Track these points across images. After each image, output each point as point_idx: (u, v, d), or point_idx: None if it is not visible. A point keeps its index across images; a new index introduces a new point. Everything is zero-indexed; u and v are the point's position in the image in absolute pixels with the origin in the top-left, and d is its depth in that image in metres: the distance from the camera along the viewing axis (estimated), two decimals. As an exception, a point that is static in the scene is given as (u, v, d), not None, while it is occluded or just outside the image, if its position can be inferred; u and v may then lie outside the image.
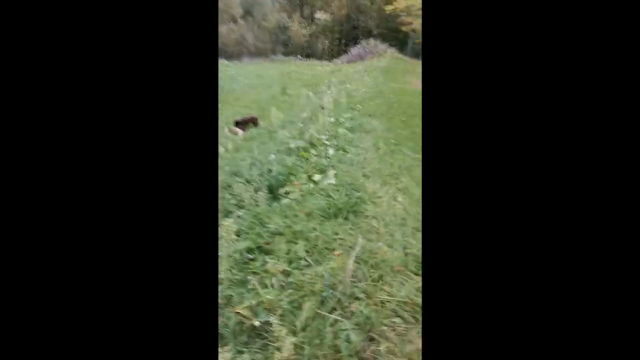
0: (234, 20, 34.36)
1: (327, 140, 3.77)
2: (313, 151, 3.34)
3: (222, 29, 31.82)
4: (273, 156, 2.45)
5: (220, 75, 16.49)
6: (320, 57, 29.96)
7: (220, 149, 5.59)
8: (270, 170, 2.58)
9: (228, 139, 6.55)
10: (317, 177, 2.71)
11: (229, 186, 2.56)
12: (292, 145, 3.34)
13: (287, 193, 2.47)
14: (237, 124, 7.56)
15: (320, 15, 36.15)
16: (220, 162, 4.17)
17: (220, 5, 33.70)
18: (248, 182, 2.60)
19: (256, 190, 2.39)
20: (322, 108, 6.44)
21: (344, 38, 33.52)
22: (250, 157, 3.50)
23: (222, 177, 2.95)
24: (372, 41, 23.91)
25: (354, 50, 24.17)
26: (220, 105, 10.02)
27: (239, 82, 15.35)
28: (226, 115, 8.55)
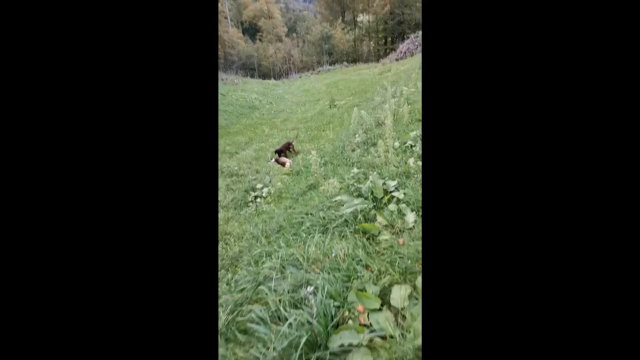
0: (280, 40, 34.67)
1: (396, 187, 2.44)
2: (379, 218, 2.04)
3: (270, 49, 32.24)
4: (310, 289, 1.21)
5: (268, 96, 16.16)
6: (366, 60, 28.42)
7: (264, 191, 4.60)
8: (314, 293, 1.36)
9: (271, 175, 5.57)
10: (396, 293, 1.42)
11: (248, 329, 1.41)
12: (347, 211, 2.10)
13: (346, 349, 1.22)
14: (279, 153, 6.59)
15: (362, 18, 34.62)
16: (258, 226, 3.09)
17: (266, 27, 34.35)
18: (279, 319, 1.41)
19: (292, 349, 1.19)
20: (379, 124, 5.07)
21: (389, 36, 31.47)
22: (288, 237, 2.33)
23: (245, 285, 1.81)
24: (420, 33, 21.60)
25: (402, 47, 22.13)
26: (268, 130, 9.29)
27: (287, 101, 14.66)
28: (272, 142, 7.66)
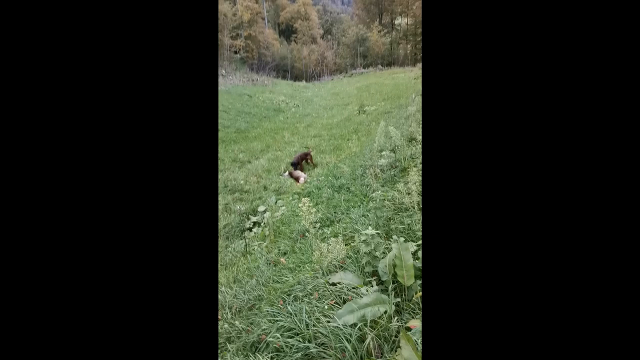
0: (314, 41, 34.05)
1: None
2: (405, 347, 1.08)
3: (304, 50, 31.76)
4: None
5: (296, 98, 15.43)
6: (402, 64, 26.97)
7: (266, 216, 3.75)
8: None
9: (281, 192, 4.71)
10: None
11: None
12: (347, 321, 1.17)
13: None
14: (294, 165, 5.72)
15: (400, 21, 33.08)
16: (233, 287, 2.21)
17: (302, 28, 33.90)
18: None
19: None
20: (412, 141, 4.02)
21: (427, 39, 29.65)
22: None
23: None
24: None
25: (442, 50, 20.46)
26: (289, 137, 8.49)
27: (314, 104, 13.80)
28: (289, 151, 6.81)
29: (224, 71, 18.95)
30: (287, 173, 5.66)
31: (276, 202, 4.06)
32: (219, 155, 6.72)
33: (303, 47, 32.10)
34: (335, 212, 2.89)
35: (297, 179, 5.46)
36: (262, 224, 3.51)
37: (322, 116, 11.06)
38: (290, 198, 4.15)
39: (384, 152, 3.87)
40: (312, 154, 6.12)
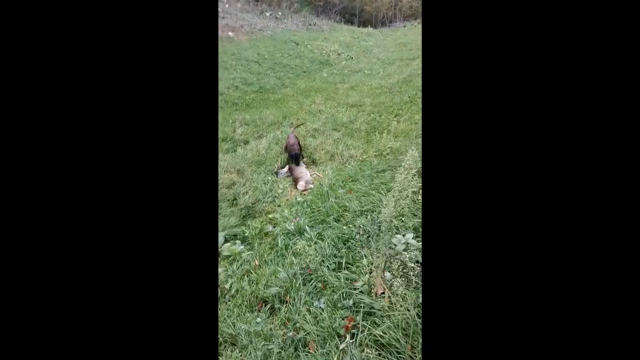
0: (391, -22, 28.18)
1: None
2: None
3: (377, -9, 26.62)
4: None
5: (353, 49, 12.43)
6: (498, 6, 20.74)
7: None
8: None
9: (250, 217, 2.79)
10: None
11: None
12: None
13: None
14: (293, 157, 3.70)
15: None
16: None
17: (379, -37, 28.17)
18: None
19: None
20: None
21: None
22: None
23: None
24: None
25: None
26: (319, 103, 6.22)
27: (372, 57, 10.81)
28: (309, 128, 4.68)
29: (279, 13, 16.37)
30: (286, 169, 3.68)
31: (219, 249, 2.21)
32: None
33: (376, -15, 26.81)
34: None
35: (295, 181, 3.46)
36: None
37: (376, 74, 8.32)
38: (252, 240, 2.24)
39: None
40: (301, 146, 4.01)
